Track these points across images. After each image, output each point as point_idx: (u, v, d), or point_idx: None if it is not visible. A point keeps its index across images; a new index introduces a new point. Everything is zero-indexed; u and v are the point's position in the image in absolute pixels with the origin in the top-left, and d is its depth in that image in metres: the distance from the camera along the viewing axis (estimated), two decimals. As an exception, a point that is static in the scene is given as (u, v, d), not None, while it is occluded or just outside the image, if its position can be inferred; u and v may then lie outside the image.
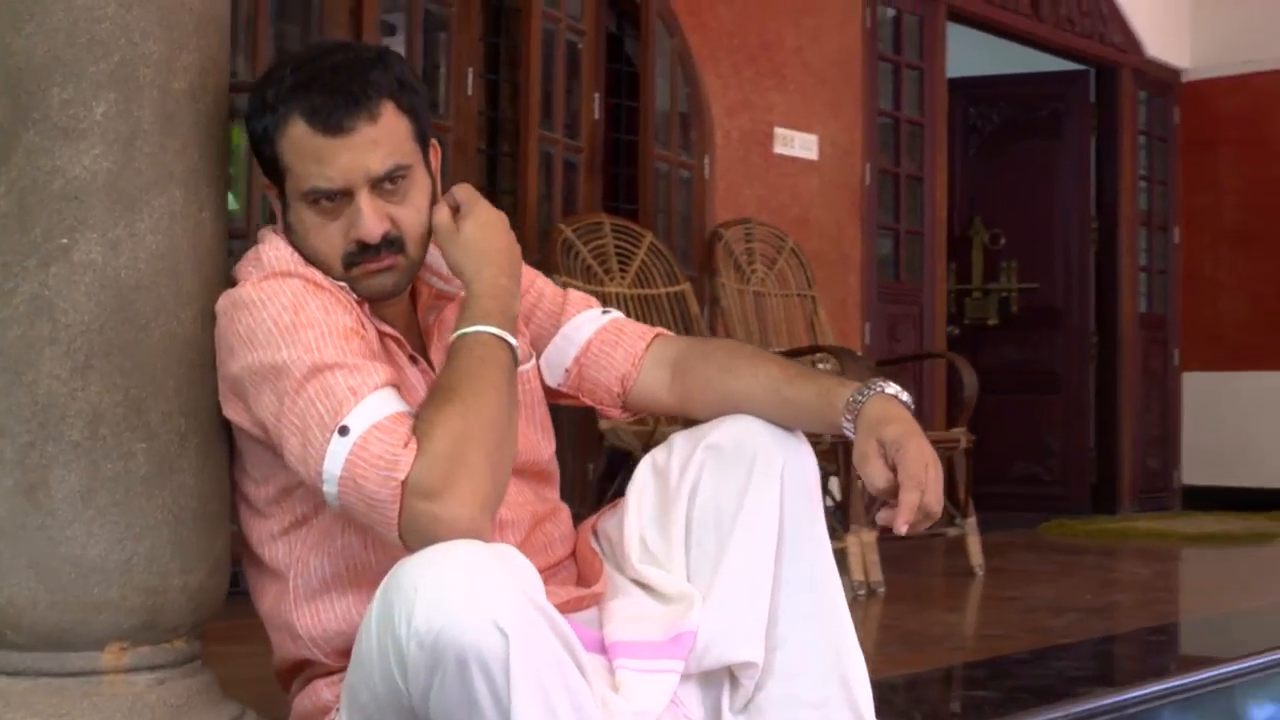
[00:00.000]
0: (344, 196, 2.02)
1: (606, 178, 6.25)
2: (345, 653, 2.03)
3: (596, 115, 6.00)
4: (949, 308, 8.37)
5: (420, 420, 1.88)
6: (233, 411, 2.04)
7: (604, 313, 2.34)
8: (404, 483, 1.83)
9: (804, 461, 2.16)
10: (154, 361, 1.98)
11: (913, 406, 2.12)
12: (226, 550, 2.13)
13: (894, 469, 2.02)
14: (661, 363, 2.28)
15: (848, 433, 2.10)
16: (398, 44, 5.66)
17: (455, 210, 2.11)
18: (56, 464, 1.94)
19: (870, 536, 4.68)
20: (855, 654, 2.16)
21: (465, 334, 1.98)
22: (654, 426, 4.95)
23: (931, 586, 5.56)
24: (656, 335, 2.32)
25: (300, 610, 2.06)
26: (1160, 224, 9.51)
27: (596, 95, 6.00)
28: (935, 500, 2.00)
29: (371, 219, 2.02)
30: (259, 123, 2.05)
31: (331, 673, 2.08)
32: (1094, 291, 9.15)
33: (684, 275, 5.82)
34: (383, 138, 2.02)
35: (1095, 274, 9.16)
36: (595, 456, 5.32)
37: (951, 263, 8.31)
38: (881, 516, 2.02)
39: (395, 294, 2.11)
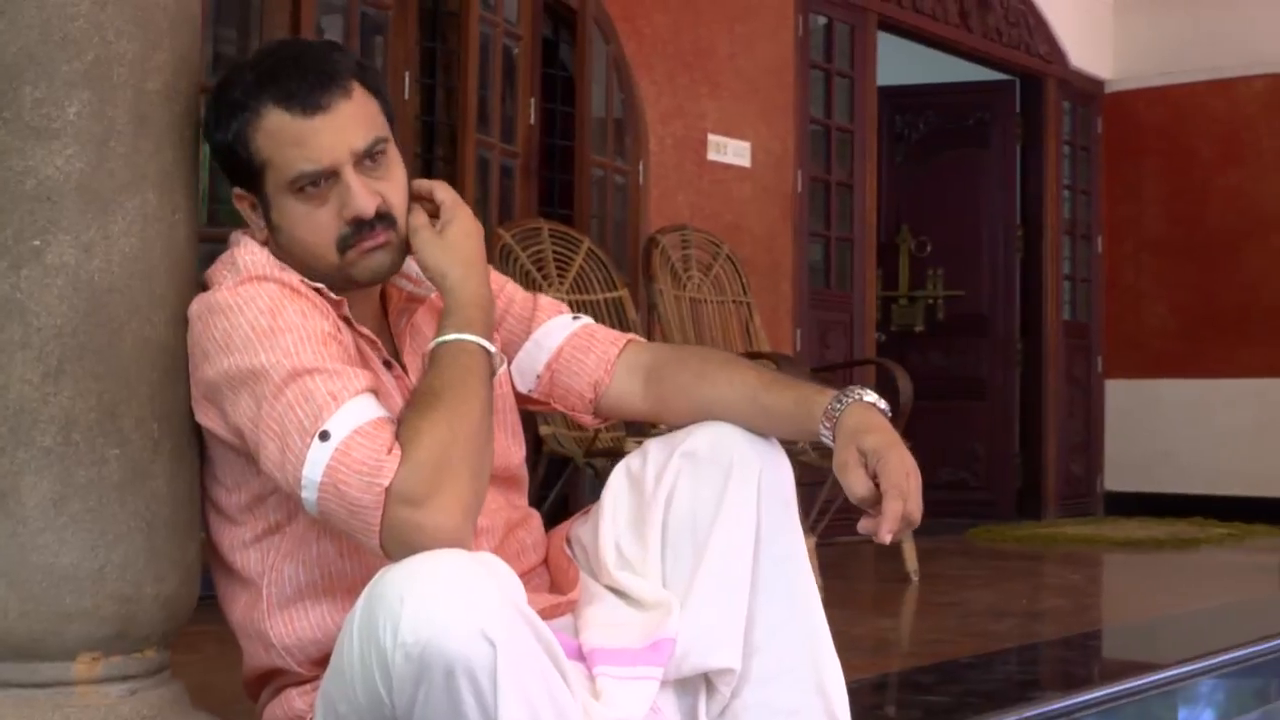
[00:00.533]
0: (330, 178, 1.99)
1: (542, 183, 6.23)
2: (319, 661, 2.01)
3: (532, 120, 5.98)
4: (876, 315, 8.41)
5: (405, 426, 1.86)
6: (206, 417, 2.00)
7: (575, 318, 2.32)
8: (388, 489, 1.81)
9: (780, 468, 2.15)
10: (127, 366, 1.95)
11: (890, 413, 2.12)
12: (198, 558, 2.10)
13: (874, 477, 2.01)
14: (634, 368, 2.27)
15: (825, 440, 2.09)
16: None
17: (432, 213, 2.09)
18: (28, 470, 1.90)
19: (810, 542, 4.68)
20: (832, 660, 2.16)
21: (449, 341, 1.96)
22: (594, 434, 4.93)
23: (869, 592, 5.59)
24: (629, 341, 2.30)
25: (273, 618, 2.03)
26: (1084, 233, 9.62)
27: (532, 100, 5.98)
28: (917, 508, 2.00)
29: (363, 194, 2.00)
30: (227, 129, 2.02)
31: (304, 681, 2.05)
32: (1019, 299, 9.24)
33: (621, 281, 5.81)
34: (359, 112, 2.01)
35: (1020, 282, 9.25)
36: (534, 463, 5.30)
37: (879, 270, 8.35)
38: (863, 526, 2.02)
39: (392, 273, 2.08)
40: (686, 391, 2.21)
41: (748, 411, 2.15)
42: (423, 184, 2.11)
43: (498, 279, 2.27)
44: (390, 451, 1.83)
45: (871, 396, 2.10)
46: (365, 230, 2.01)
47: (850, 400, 2.09)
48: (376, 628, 1.73)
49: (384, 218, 2.03)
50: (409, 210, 2.07)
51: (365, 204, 2.00)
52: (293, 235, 2.03)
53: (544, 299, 2.33)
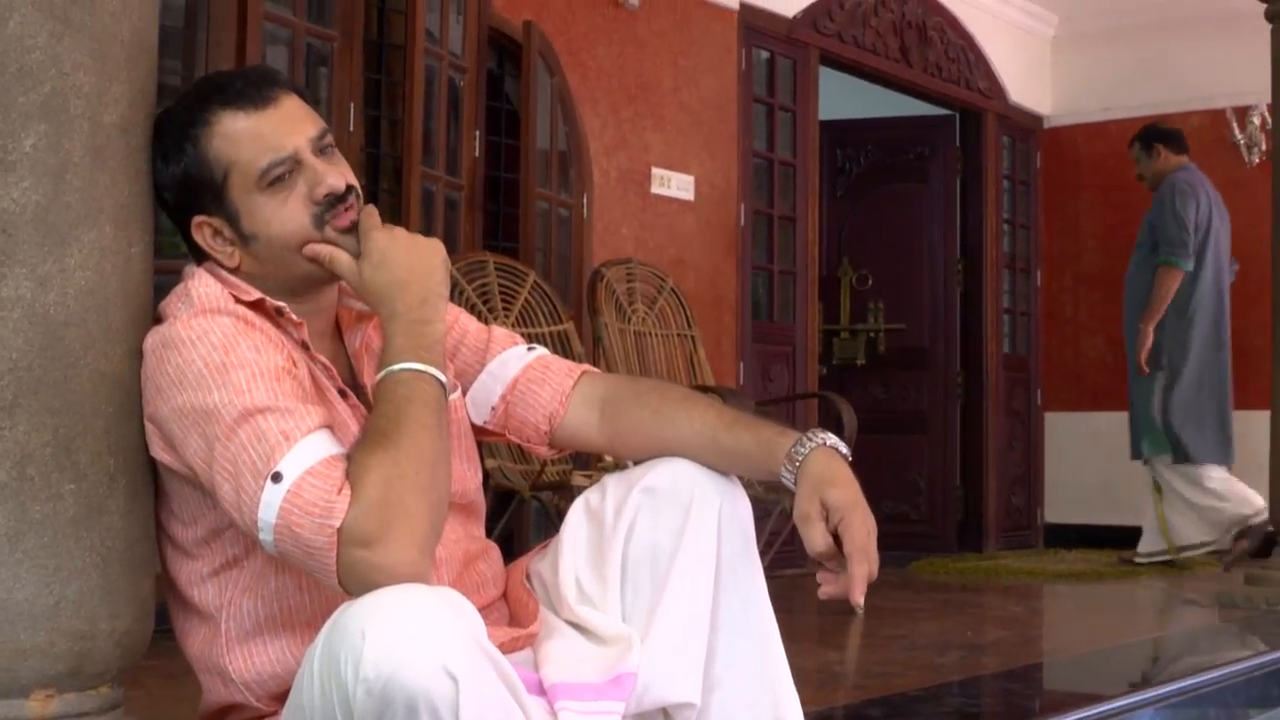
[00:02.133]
0: (294, 166, 2.02)
1: (486, 216, 6.23)
2: (278, 696, 2.00)
3: (477, 153, 5.98)
4: (818, 347, 8.45)
5: (353, 465, 1.85)
6: (160, 451, 1.98)
7: (529, 349, 2.32)
8: (339, 530, 1.80)
9: (739, 504, 2.16)
10: (83, 400, 1.93)
11: (850, 457, 2.13)
12: (153, 593, 2.07)
13: (833, 532, 2.03)
14: (590, 400, 2.26)
15: (787, 483, 2.10)
16: (278, 79, 5.60)
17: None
18: (-18, 506, 1.87)
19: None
20: (790, 695, 2.16)
21: (385, 375, 1.96)
22: (541, 467, 4.93)
23: (815, 625, 5.58)
24: (584, 372, 2.30)
25: (232, 653, 2.02)
26: (1023, 266, 9.70)
27: (477, 133, 5.98)
28: (876, 567, 2.04)
29: (331, 171, 2.04)
30: (180, 156, 2.03)
31: (263, 717, 2.04)
32: (959, 332, 9.30)
33: (567, 314, 5.82)
34: (302, 107, 2.07)
35: (960, 315, 9.31)
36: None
37: (820, 303, 8.39)
38: (824, 591, 2.08)
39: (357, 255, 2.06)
40: (645, 429, 2.21)
41: (707, 452, 2.15)
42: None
43: (451, 310, 2.26)
44: (340, 491, 1.81)
45: (833, 440, 2.11)
46: (340, 203, 2.04)
47: (813, 445, 2.09)
48: (338, 663, 1.71)
49: (352, 189, 2.06)
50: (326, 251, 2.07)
51: (335, 179, 2.04)
52: (269, 235, 2.03)
53: (499, 330, 2.34)
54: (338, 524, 1.80)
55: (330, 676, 1.73)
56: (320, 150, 2.05)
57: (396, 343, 1.99)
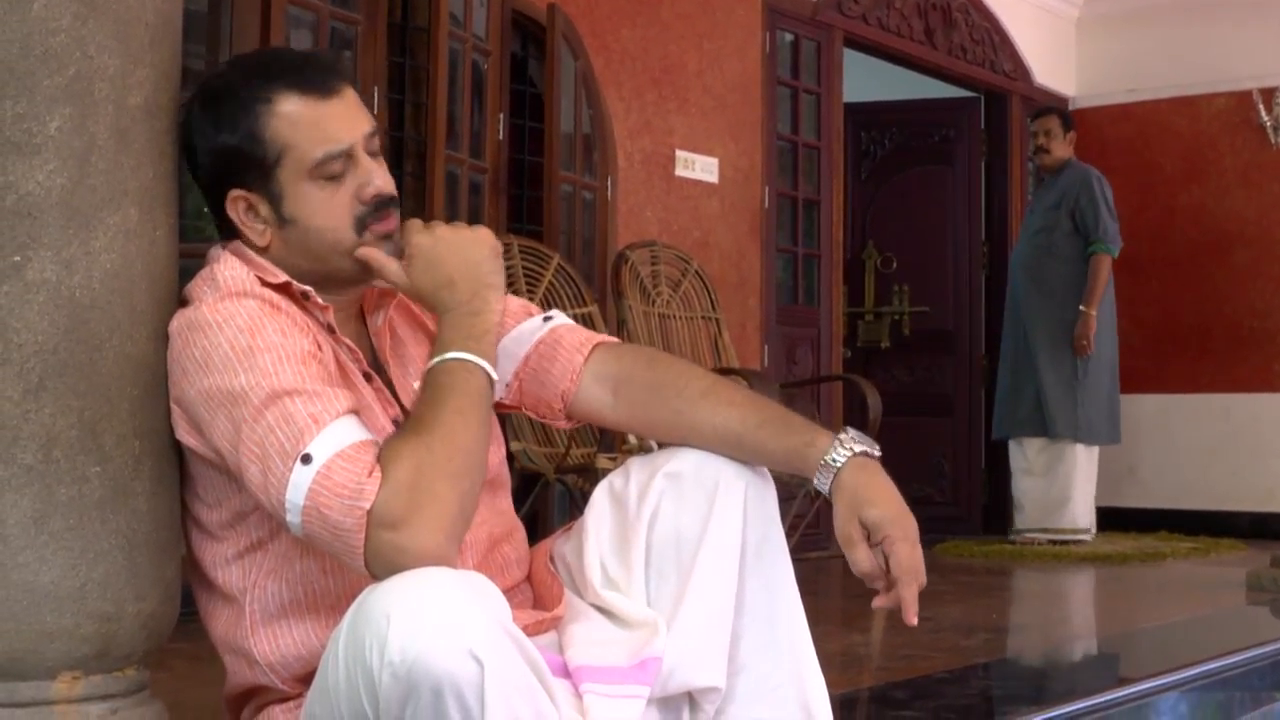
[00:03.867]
0: (348, 159, 2.02)
1: (510, 199, 6.22)
2: (303, 679, 2.00)
3: (501, 136, 5.98)
4: (842, 330, 8.43)
5: (387, 449, 1.85)
6: (186, 435, 1.99)
7: (545, 319, 2.28)
8: (369, 512, 1.80)
9: (765, 488, 2.15)
10: (108, 382, 1.93)
11: (880, 454, 2.11)
12: (178, 576, 2.08)
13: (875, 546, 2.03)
14: (602, 379, 2.22)
15: (821, 489, 2.09)
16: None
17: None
18: (9, 488, 1.87)
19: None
20: (816, 678, 2.16)
21: (432, 366, 1.96)
22: (565, 450, 4.93)
23: (839, 608, 5.58)
24: (596, 346, 2.25)
25: (257, 635, 2.02)
26: (1048, 249, 9.64)
27: (501, 116, 5.98)
28: (924, 579, 2.04)
29: (381, 172, 2.04)
30: (234, 128, 2.01)
31: (288, 699, 2.04)
32: (984, 315, 9.26)
33: (591, 297, 5.82)
34: (357, 100, 2.07)
35: (985, 297, 9.28)
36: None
37: (845, 286, 8.38)
38: (877, 602, 2.06)
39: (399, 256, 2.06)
40: (664, 425, 2.18)
41: (733, 450, 2.13)
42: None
43: None
44: (371, 474, 1.82)
45: (863, 444, 2.09)
46: (384, 208, 2.05)
47: (845, 454, 2.07)
48: (363, 647, 1.72)
49: (395, 199, 2.07)
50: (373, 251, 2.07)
51: (386, 181, 2.05)
52: (310, 224, 2.03)
53: (512, 301, 2.29)
54: (367, 506, 1.80)
55: (355, 661, 1.73)
56: (370, 150, 2.05)
57: (445, 335, 1.99)
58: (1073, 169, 8.02)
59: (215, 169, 2.05)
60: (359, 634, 1.73)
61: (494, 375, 1.98)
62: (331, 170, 2.01)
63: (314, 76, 2.02)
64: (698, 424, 2.15)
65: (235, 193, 2.04)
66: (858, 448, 2.08)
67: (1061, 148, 8.02)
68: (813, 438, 2.10)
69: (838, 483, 2.06)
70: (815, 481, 2.08)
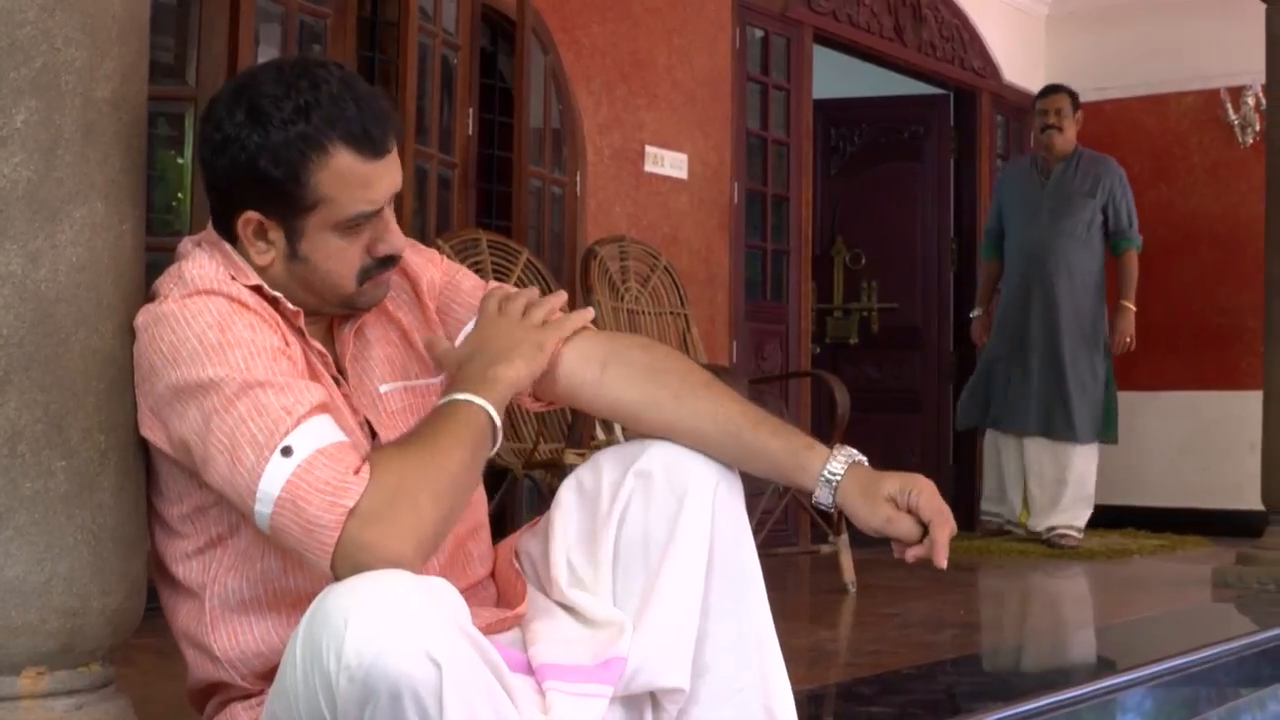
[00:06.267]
0: (373, 216, 2.02)
1: (480, 194, 6.21)
2: (264, 675, 2.00)
3: (470, 131, 5.97)
4: (811, 326, 8.44)
5: (375, 455, 1.88)
6: (149, 430, 1.98)
7: None
8: (351, 511, 1.81)
9: (734, 487, 2.15)
10: (74, 377, 1.92)
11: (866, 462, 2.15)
12: (144, 571, 2.07)
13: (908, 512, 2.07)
14: (589, 356, 2.17)
15: (819, 501, 2.11)
16: (271, 55, 5.58)
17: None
18: (-27, 483, 1.87)
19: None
20: (782, 682, 2.17)
21: (447, 400, 1.99)
22: (533, 445, 4.92)
23: (807, 604, 5.60)
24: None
25: (217, 631, 2.02)
26: (1017, 245, 9.66)
27: (470, 111, 5.97)
28: (954, 523, 2.08)
29: (397, 231, 2.05)
30: (281, 162, 1.95)
31: (249, 695, 2.04)
32: (952, 311, 9.28)
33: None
34: (396, 158, 2.05)
35: (954, 294, 9.30)
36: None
37: (813, 282, 8.38)
38: (912, 555, 2.09)
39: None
40: (659, 410, 2.15)
41: (726, 447, 2.13)
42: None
43: (449, 267, 2.27)
44: (357, 473, 1.83)
45: (858, 455, 2.13)
46: (386, 265, 2.07)
47: (844, 463, 2.10)
48: (320, 650, 1.72)
49: (400, 258, 2.10)
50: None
51: (400, 241, 2.05)
52: (319, 266, 2.02)
53: (495, 285, 2.26)
54: (349, 504, 1.81)
55: (313, 664, 1.73)
56: (390, 204, 2.06)
57: (459, 379, 2.02)
58: (1094, 156, 7.83)
59: (240, 184, 1.99)
60: (316, 637, 1.72)
61: (498, 422, 1.99)
62: (358, 226, 2.01)
63: (375, 134, 1.98)
64: (698, 411, 2.13)
65: (251, 214, 2.01)
66: (855, 458, 2.11)
67: (1072, 128, 7.79)
68: (810, 441, 2.14)
69: (843, 490, 2.09)
70: (816, 495, 2.11)
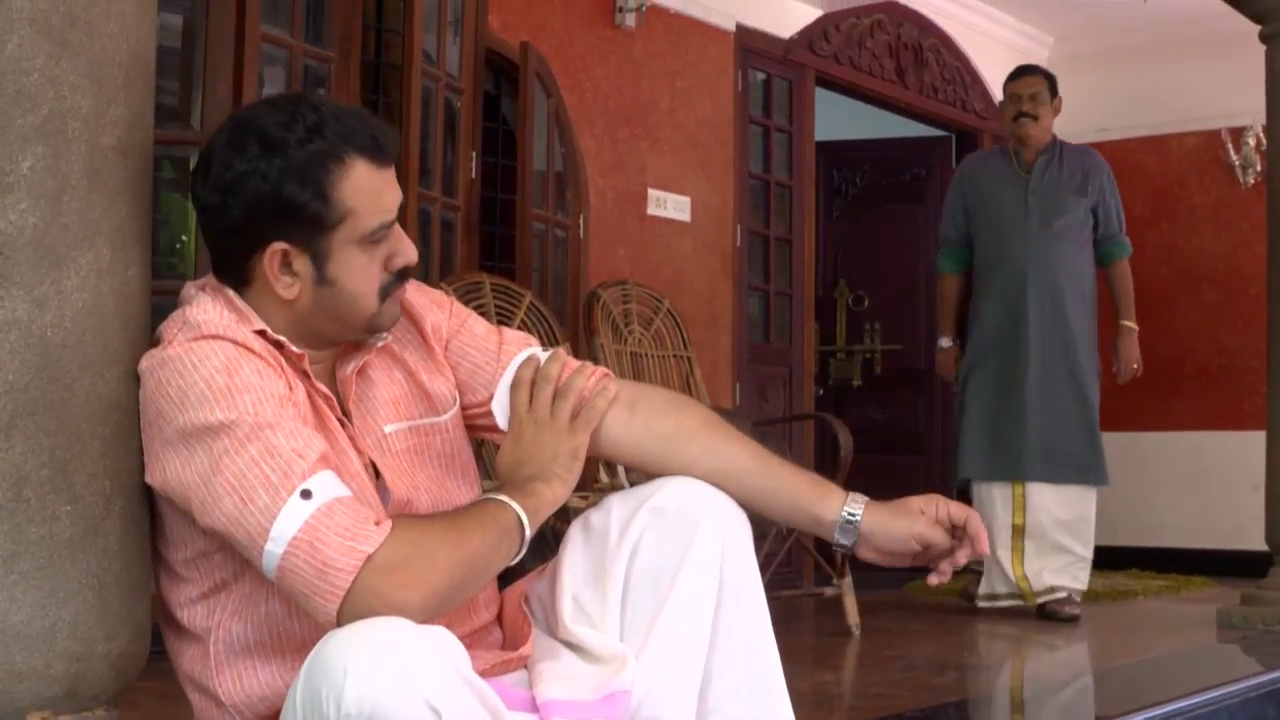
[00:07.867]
0: (388, 228, 2.05)
1: (483, 237, 6.22)
2: (268, 718, 1.99)
3: (473, 174, 5.99)
4: (814, 368, 8.44)
5: (399, 516, 1.92)
6: (155, 476, 1.98)
7: (547, 352, 2.29)
8: (370, 556, 1.82)
9: (744, 529, 2.18)
10: (79, 422, 1.93)
11: None
12: (148, 615, 2.08)
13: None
14: (620, 400, 2.24)
15: (839, 543, 2.19)
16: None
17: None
18: (-22, 527, 1.87)
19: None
20: (789, 722, 2.17)
21: (484, 499, 2.05)
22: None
23: (811, 646, 5.58)
24: (603, 375, 2.27)
25: (222, 675, 2.02)
26: (1019, 287, 9.64)
27: (474, 154, 5.99)
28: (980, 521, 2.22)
29: (409, 243, 2.08)
30: (305, 181, 1.97)
31: (254, 740, 2.04)
32: (956, 353, 9.26)
33: (563, 335, 5.81)
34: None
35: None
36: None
37: (816, 324, 8.39)
38: (945, 568, 2.21)
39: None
40: (691, 435, 2.23)
41: (758, 471, 2.22)
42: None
43: (457, 310, 2.28)
44: (377, 524, 1.86)
45: (863, 498, 2.21)
46: (403, 279, 2.09)
47: (861, 501, 2.20)
48: (320, 699, 1.72)
49: (415, 269, 2.13)
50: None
51: (413, 253, 2.09)
52: (346, 287, 2.04)
53: (510, 332, 2.31)
54: (369, 550, 1.82)
55: (312, 711, 1.73)
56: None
57: (504, 489, 2.07)
58: (1077, 148, 6.69)
59: (264, 216, 2.00)
60: (315, 685, 1.73)
61: (528, 530, 2.03)
62: (379, 239, 2.03)
63: (383, 141, 2.03)
64: (733, 440, 2.22)
65: (278, 245, 2.01)
66: (865, 500, 2.21)
67: (1049, 117, 6.53)
68: (822, 491, 2.22)
69: (866, 528, 2.17)
70: (836, 536, 2.18)
